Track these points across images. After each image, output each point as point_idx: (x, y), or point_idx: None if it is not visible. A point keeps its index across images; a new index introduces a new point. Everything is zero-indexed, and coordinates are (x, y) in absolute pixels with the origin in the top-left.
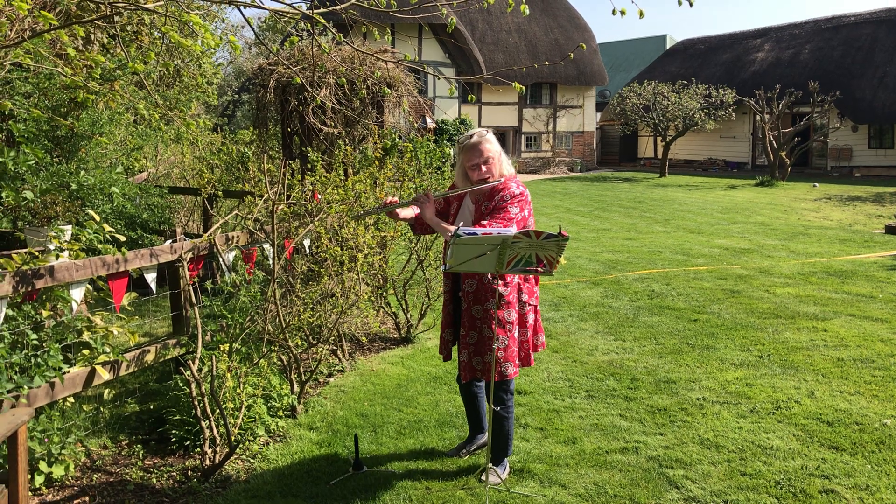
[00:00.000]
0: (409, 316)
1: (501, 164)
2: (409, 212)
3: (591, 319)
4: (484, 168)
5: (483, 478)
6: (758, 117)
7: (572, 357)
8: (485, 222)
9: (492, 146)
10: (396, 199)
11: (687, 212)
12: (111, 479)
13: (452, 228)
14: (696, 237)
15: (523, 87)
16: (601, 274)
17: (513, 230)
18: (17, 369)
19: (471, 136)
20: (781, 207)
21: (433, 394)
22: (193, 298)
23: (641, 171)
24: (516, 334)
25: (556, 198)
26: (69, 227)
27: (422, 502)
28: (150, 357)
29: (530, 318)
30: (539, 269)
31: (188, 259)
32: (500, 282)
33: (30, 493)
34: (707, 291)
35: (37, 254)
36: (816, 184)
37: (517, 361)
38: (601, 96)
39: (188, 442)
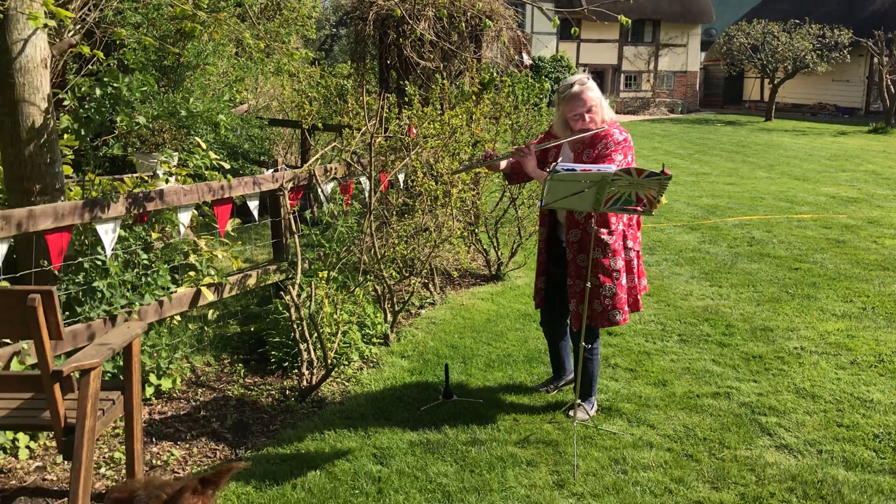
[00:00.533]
0: (499, 253)
1: (603, 111)
2: (506, 161)
3: (686, 264)
4: (588, 117)
5: (571, 413)
6: (875, 60)
7: (665, 301)
8: None
9: (593, 93)
10: (496, 152)
11: (793, 157)
12: (215, 395)
13: None
14: (802, 184)
15: (629, 21)
16: (699, 219)
17: (613, 168)
18: (129, 287)
19: (571, 85)
20: (895, 156)
21: (522, 330)
22: (293, 227)
23: (746, 114)
24: (624, 281)
25: (655, 140)
26: (176, 153)
27: (509, 432)
28: (251, 281)
29: (634, 263)
30: (639, 208)
31: (289, 189)
32: (605, 230)
33: (141, 403)
34: (810, 240)
35: (146, 178)
36: None
37: (626, 308)
38: (706, 35)
39: (286, 363)
